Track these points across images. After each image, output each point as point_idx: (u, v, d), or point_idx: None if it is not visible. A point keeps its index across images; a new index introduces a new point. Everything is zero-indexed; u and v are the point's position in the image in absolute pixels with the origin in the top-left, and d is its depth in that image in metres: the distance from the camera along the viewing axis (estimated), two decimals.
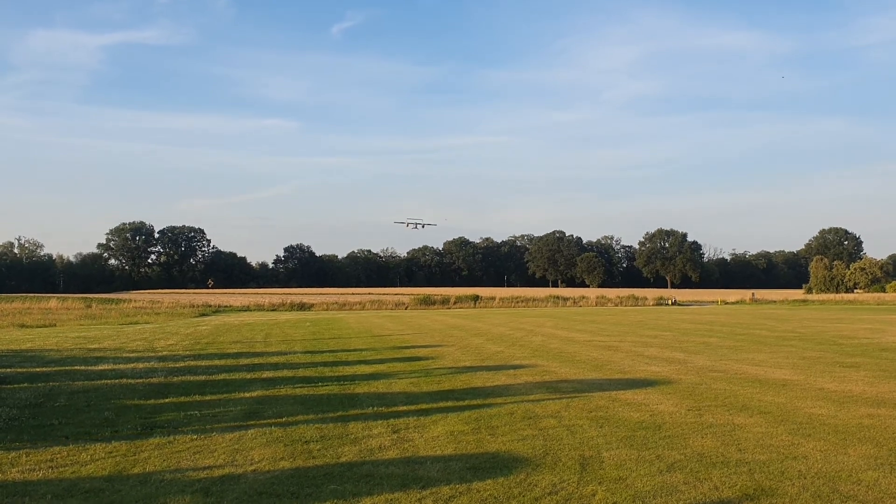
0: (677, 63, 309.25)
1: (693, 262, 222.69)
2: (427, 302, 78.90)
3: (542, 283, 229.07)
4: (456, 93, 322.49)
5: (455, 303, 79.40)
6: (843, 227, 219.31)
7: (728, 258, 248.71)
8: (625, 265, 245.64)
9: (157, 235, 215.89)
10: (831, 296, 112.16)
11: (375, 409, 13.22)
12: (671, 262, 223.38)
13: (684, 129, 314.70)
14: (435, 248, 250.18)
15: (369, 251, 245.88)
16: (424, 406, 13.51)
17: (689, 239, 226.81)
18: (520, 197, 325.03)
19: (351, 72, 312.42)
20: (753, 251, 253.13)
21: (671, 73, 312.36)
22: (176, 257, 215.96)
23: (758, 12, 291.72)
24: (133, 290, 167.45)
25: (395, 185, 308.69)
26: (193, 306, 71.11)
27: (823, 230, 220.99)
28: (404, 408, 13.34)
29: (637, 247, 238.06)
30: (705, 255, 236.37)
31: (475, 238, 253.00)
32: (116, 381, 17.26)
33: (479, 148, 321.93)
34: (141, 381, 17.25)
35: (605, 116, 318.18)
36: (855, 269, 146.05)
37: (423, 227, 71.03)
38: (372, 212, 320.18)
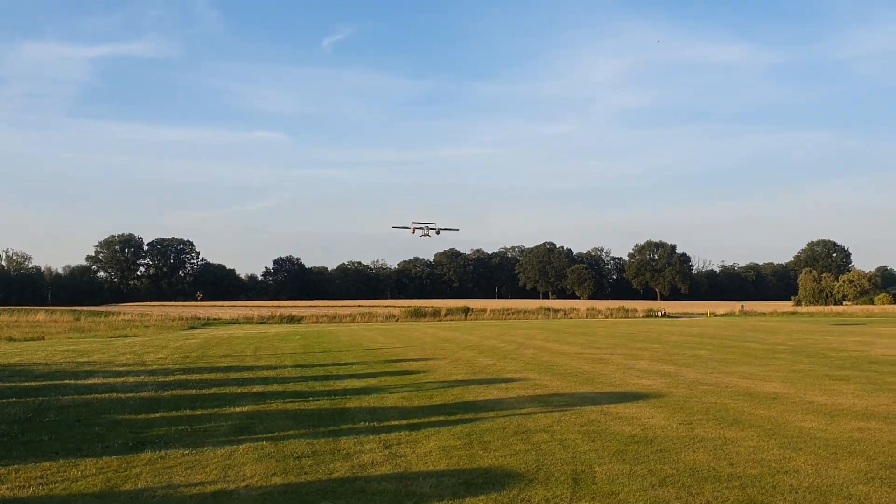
0: (665, 75, 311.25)
1: (682, 274, 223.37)
2: (418, 314, 78.81)
3: (533, 294, 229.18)
4: (446, 105, 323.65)
5: (446, 315, 79.35)
6: (831, 239, 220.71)
7: (717, 270, 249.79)
8: (615, 277, 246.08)
9: (146, 248, 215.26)
10: (820, 308, 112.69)
11: (367, 423, 13.20)
12: (661, 274, 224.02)
13: (673, 141, 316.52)
14: (426, 259, 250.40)
15: (360, 263, 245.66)
16: (416, 421, 13.49)
17: (679, 251, 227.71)
18: (511, 208, 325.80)
19: (341, 84, 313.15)
20: (742, 263, 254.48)
21: (659, 85, 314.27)
22: (165, 269, 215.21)
23: (745, 25, 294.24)
24: (122, 302, 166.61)
25: (386, 197, 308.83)
26: (182, 319, 70.78)
27: (812, 242, 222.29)
28: (396, 422, 13.32)
29: (627, 258, 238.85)
30: (694, 267, 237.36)
31: (466, 250, 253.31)
32: (106, 395, 17.17)
33: (470, 159, 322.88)
34: (131, 395, 17.17)
35: (595, 128, 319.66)
36: (844, 281, 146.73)
37: (437, 233, 58.38)
38: (362, 224, 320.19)
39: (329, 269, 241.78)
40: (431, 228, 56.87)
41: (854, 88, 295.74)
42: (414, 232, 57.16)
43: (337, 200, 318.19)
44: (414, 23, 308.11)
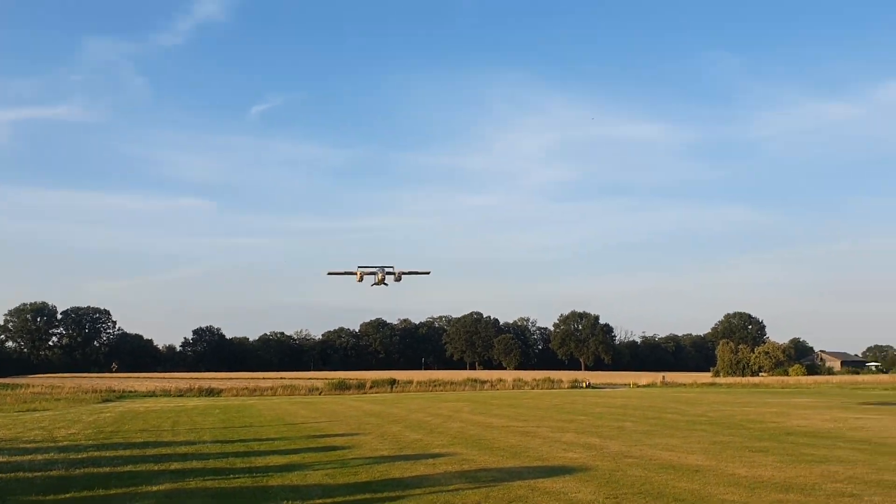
0: (589, 151, 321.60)
1: (605, 345, 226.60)
2: (342, 387, 77.54)
3: (460, 365, 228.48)
4: (375, 175, 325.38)
5: (371, 387, 78.29)
6: (746, 312, 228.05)
7: (638, 341, 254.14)
8: (540, 347, 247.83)
9: (59, 316, 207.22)
10: (738, 379, 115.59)
11: (290, 502, 12.83)
12: (584, 345, 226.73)
13: (597, 214, 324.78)
14: (351, 329, 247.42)
15: (282, 334, 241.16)
16: (341, 499, 13.19)
17: (602, 321, 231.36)
18: (439, 278, 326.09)
19: (269, 153, 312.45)
20: (663, 334, 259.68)
21: (583, 161, 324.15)
22: (79, 339, 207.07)
23: (662, 104, 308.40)
24: (31, 374, 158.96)
25: (311, 266, 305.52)
26: (96, 391, 67.93)
27: (728, 314, 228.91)
28: (320, 501, 13.00)
29: (552, 328, 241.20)
30: (617, 338, 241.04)
31: (393, 319, 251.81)
32: (12, 474, 16.27)
33: (398, 229, 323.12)
34: (39, 474, 16.31)
35: (522, 200, 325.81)
36: (759, 352, 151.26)
37: (397, 279, 43.96)
38: (286, 293, 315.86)
39: (250, 339, 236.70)
40: (389, 273, 43.82)
41: (765, 167, 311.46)
42: (362, 279, 43.83)
43: (261, 269, 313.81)
44: (342, 93, 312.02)
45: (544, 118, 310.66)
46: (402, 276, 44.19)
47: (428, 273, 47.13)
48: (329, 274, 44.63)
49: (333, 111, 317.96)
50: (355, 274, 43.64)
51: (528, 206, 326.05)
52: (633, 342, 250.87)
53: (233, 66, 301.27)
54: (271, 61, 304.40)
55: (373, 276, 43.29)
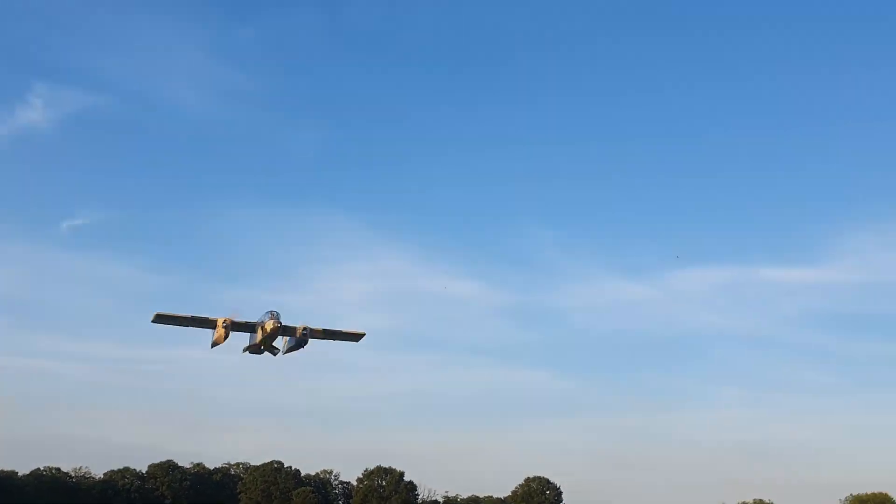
0: (407, 302, 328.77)
1: None
2: None
3: None
4: (190, 306, 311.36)
5: None
6: (545, 476, 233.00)
7: (441, 500, 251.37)
8: (341, 503, 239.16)
9: None
10: None
11: None
12: (387, 503, 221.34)
13: (410, 366, 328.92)
14: (137, 470, 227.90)
15: (58, 469, 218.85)
16: None
17: (407, 478, 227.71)
18: (241, 420, 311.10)
19: (75, 271, 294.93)
20: (465, 494, 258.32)
21: (401, 312, 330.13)
22: None
23: (481, 265, 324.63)
24: None
25: (101, 396, 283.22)
26: None
27: (528, 478, 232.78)
28: None
29: (355, 483, 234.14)
30: (420, 496, 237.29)
31: (185, 462, 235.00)
32: None
33: (202, 364, 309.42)
34: None
35: (337, 346, 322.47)
36: None
37: (300, 342, 27.43)
38: (70, 424, 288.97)
39: (20, 473, 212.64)
40: (285, 333, 26.11)
41: (569, 335, 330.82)
42: (225, 337, 25.52)
43: (44, 394, 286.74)
44: (164, 217, 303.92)
45: (369, 266, 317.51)
46: (311, 338, 27.67)
47: (362, 336, 33.41)
48: (157, 320, 30.80)
49: (153, 236, 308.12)
50: (211, 326, 27.23)
51: (343, 353, 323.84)
52: (436, 502, 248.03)
53: (47, 178, 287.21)
54: (90, 178, 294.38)
55: (250, 332, 27.01)
